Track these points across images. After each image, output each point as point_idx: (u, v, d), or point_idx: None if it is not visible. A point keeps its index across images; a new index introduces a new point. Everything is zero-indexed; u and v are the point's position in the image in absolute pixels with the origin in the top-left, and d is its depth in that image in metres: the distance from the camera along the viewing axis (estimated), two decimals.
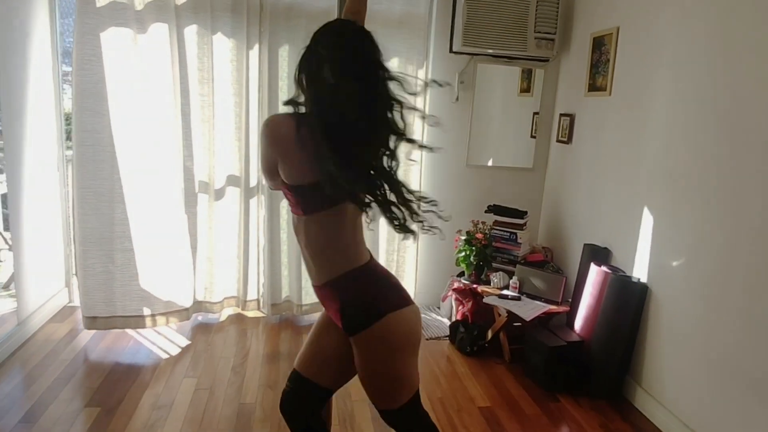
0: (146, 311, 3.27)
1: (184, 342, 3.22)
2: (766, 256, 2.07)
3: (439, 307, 3.82)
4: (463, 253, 3.43)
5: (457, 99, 3.61)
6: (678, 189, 2.55)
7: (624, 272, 2.88)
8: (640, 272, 2.80)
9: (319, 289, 1.47)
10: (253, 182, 3.44)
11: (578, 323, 3.02)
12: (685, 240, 2.51)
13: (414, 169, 3.60)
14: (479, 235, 3.39)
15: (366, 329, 1.37)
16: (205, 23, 3.19)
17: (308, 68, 1.34)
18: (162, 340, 3.24)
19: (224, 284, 3.55)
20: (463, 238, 3.43)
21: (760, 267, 2.10)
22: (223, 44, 3.25)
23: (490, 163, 3.81)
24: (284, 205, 3.48)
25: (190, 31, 3.18)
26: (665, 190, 2.64)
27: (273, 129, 1.36)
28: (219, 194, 3.41)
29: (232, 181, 3.43)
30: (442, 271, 3.77)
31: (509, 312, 3.07)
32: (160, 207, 3.23)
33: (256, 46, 3.30)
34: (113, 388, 2.68)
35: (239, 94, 3.31)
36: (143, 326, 3.27)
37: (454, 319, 3.50)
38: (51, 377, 2.74)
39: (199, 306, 3.52)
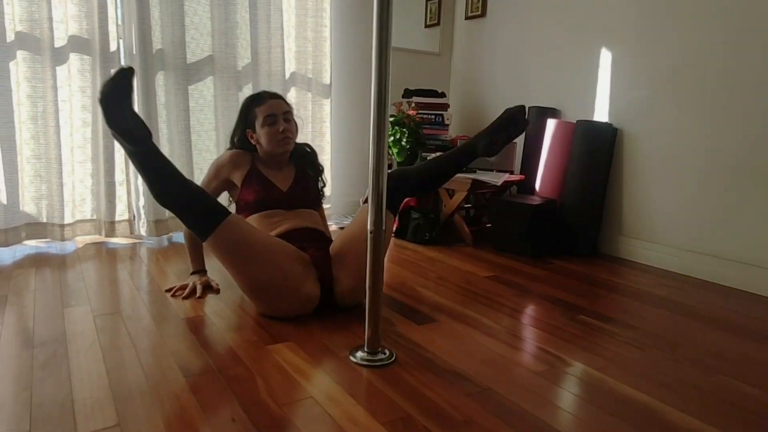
0: None
1: (35, 273, 2.06)
2: (730, 73, 2.04)
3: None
4: (393, 137, 2.90)
5: None
6: (645, 18, 2.43)
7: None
8: (602, 117, 2.64)
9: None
10: (113, 47, 2.41)
11: (541, 186, 2.74)
12: (654, 70, 2.39)
13: (326, 54, 2.95)
14: (411, 112, 2.90)
15: None
16: None
17: None
18: None
19: (75, 199, 2.43)
20: (391, 119, 2.91)
21: (724, 80, 2.05)
22: None
23: (398, 45, 3.32)
24: (161, 84, 2.52)
25: None
26: (628, 23, 2.51)
27: None
28: (59, 58, 2.31)
29: (78, 45, 2.35)
30: (356, 175, 3.19)
31: (474, 181, 2.64)
32: None
33: None
34: None
35: None
36: None
37: None
38: None
39: (41, 230, 2.35)
